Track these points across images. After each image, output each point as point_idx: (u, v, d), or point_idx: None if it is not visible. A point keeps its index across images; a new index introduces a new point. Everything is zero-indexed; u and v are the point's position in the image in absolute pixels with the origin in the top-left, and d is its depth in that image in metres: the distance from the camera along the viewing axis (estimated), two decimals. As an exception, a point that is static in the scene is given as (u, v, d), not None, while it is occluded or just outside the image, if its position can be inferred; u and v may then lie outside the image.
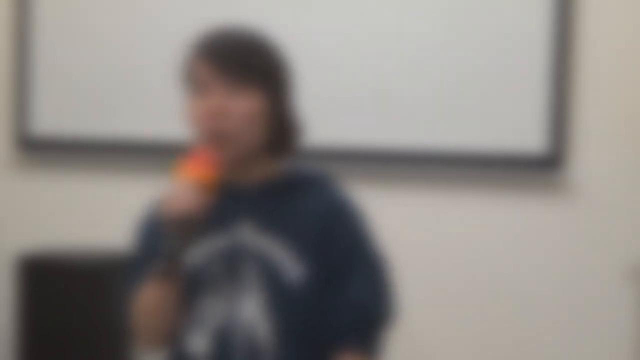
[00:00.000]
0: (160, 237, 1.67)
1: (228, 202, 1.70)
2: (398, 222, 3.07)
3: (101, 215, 3.37)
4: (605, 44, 3.07)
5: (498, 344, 3.17)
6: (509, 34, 3.09)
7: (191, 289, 1.72)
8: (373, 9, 3.16)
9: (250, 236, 1.71)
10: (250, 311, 1.69)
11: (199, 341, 1.72)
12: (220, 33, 1.73)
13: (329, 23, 3.20)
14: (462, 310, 3.18)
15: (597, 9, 3.06)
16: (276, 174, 1.76)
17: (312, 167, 1.80)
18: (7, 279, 3.41)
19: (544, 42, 3.07)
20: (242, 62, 1.68)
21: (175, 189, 1.64)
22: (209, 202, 1.65)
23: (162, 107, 3.25)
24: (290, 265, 1.70)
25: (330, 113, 3.14)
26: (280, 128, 1.74)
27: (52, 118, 3.40)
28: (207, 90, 1.68)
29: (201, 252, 1.71)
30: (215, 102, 1.67)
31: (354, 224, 1.75)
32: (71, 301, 3.14)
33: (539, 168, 3.10)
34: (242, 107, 1.67)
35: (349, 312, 1.71)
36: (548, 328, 3.13)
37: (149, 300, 1.71)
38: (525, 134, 3.09)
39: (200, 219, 1.64)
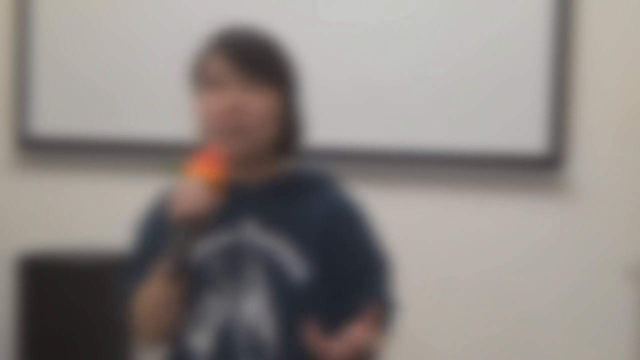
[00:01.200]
0: (163, 234, 1.67)
1: (232, 201, 1.70)
2: (398, 222, 3.06)
3: (101, 215, 3.37)
4: (606, 43, 3.07)
5: (498, 344, 3.17)
6: (509, 34, 3.09)
7: (194, 286, 1.71)
8: (373, 9, 3.16)
9: (254, 234, 1.71)
10: (253, 309, 1.70)
11: (201, 339, 1.72)
12: (234, 31, 1.73)
13: (328, 23, 3.20)
14: (462, 310, 3.18)
15: (597, 8, 3.07)
16: (281, 173, 1.77)
17: (316, 167, 1.81)
18: (7, 279, 3.41)
19: (544, 42, 3.07)
20: (257, 60, 1.69)
21: (185, 188, 1.64)
22: (218, 201, 1.65)
23: (163, 107, 3.25)
24: (294, 264, 1.70)
25: (330, 113, 3.14)
26: (288, 127, 1.75)
27: (52, 118, 3.40)
28: (221, 87, 1.68)
29: (205, 250, 1.71)
30: (232, 98, 1.67)
31: (358, 224, 1.75)
32: (71, 301, 3.14)
33: (539, 168, 3.10)
34: (259, 103, 1.68)
35: (365, 298, 1.68)
36: (548, 328, 3.13)
37: (152, 298, 1.71)
38: (525, 134, 3.09)
39: (209, 218, 1.64)
